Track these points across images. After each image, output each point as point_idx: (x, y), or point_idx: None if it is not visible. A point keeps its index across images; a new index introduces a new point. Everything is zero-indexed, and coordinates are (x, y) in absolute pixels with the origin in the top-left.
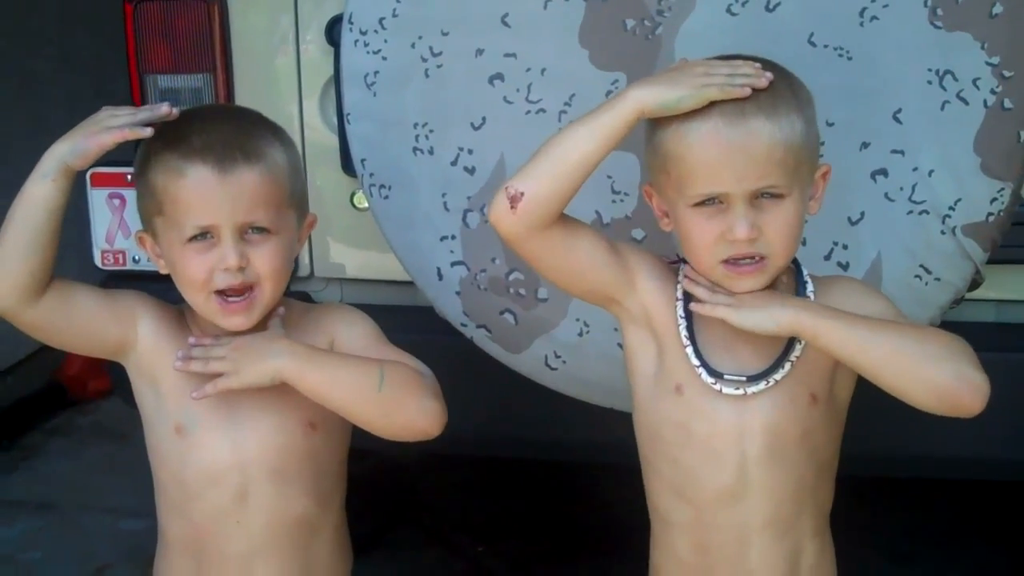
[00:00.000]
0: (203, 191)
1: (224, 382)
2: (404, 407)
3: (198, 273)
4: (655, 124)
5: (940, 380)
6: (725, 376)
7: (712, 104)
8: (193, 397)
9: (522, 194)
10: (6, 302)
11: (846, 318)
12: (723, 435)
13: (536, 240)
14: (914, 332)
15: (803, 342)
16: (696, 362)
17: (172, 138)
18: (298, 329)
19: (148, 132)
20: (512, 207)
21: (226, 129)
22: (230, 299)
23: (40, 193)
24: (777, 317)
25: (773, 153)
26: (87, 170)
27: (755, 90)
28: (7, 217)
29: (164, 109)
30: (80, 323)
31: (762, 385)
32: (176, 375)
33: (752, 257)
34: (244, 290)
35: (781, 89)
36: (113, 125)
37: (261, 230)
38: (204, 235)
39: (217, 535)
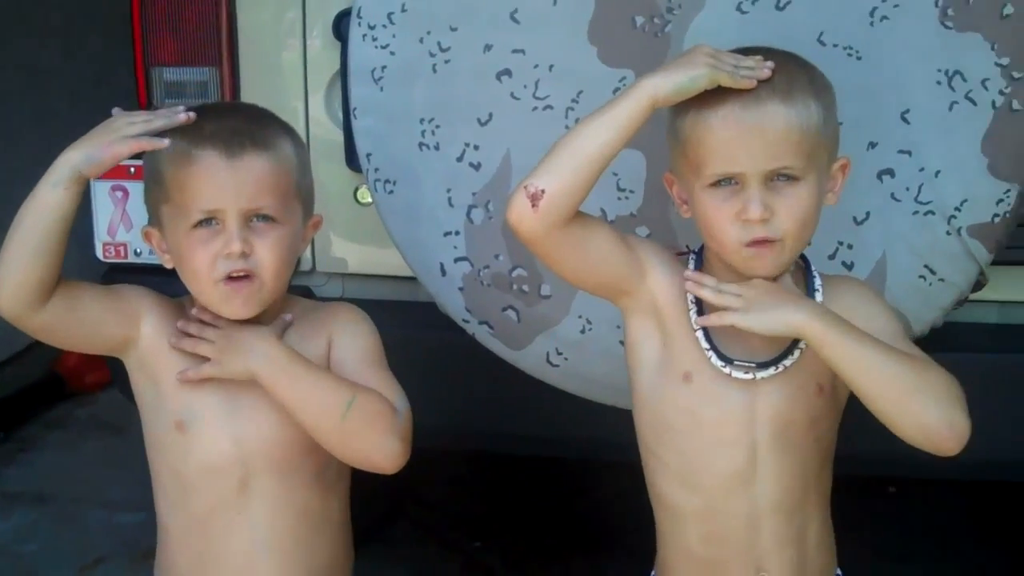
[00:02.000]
0: (210, 175)
1: (206, 369)
2: (363, 440)
3: (203, 260)
4: (675, 111)
5: (928, 420)
6: (735, 361)
7: (728, 90)
8: (177, 377)
9: (543, 191)
10: (13, 307)
11: (854, 335)
12: (733, 421)
13: (555, 238)
14: (914, 365)
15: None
16: (706, 346)
17: (183, 127)
18: (300, 326)
19: (165, 143)
20: (534, 205)
21: (238, 118)
22: (231, 282)
23: (51, 200)
24: (788, 320)
25: (789, 135)
26: None
27: (772, 75)
28: (15, 222)
29: (182, 117)
30: (87, 324)
31: (771, 371)
32: (173, 371)
33: (768, 240)
34: (246, 277)
35: (797, 75)
36: (129, 134)
37: (266, 218)
38: (209, 221)
39: (219, 528)
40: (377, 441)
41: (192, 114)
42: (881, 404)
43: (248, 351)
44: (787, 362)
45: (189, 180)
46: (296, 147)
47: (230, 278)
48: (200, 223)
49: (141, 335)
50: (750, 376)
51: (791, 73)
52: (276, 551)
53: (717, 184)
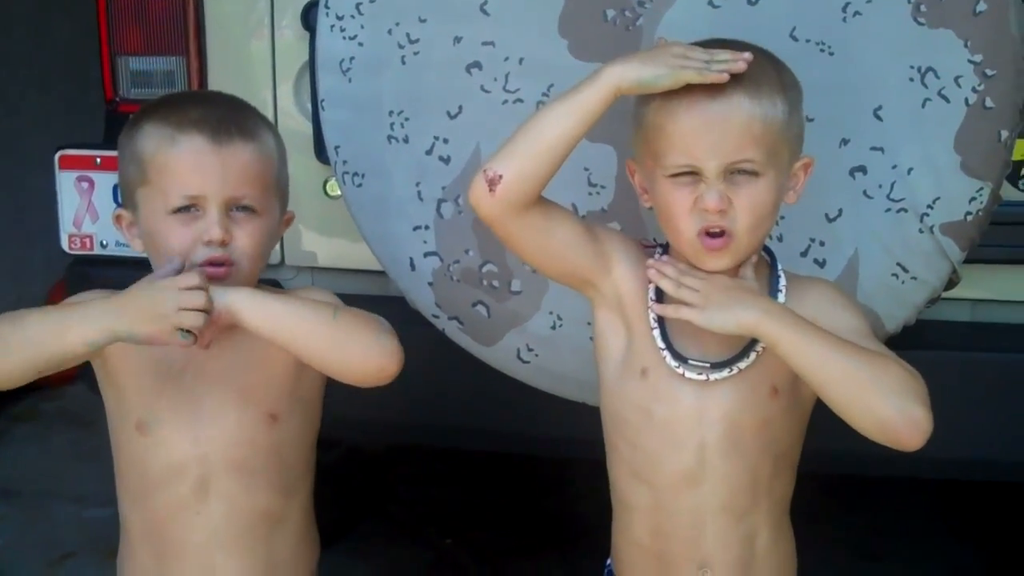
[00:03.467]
0: (195, 160)
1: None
2: (359, 339)
3: (180, 243)
4: (640, 98)
5: (884, 413)
6: (689, 361)
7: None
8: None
9: (500, 176)
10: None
11: (808, 331)
12: (683, 420)
13: (515, 222)
14: (872, 360)
15: (761, 344)
16: (662, 345)
17: (166, 110)
18: None
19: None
20: (491, 189)
21: (222, 107)
22: (209, 268)
23: (77, 352)
24: (740, 318)
25: (751, 128)
26: (55, 153)
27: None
28: (25, 331)
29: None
30: None
31: (725, 372)
32: (136, 373)
33: (721, 232)
34: (222, 264)
35: (766, 69)
36: (180, 325)
37: (246, 208)
38: (188, 208)
39: (177, 526)
40: (373, 338)
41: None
42: (838, 399)
43: (227, 292)
44: (742, 364)
45: (172, 163)
46: (277, 141)
47: (207, 264)
48: (179, 209)
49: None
50: (703, 377)
51: (760, 67)
52: (235, 549)
53: (678, 175)
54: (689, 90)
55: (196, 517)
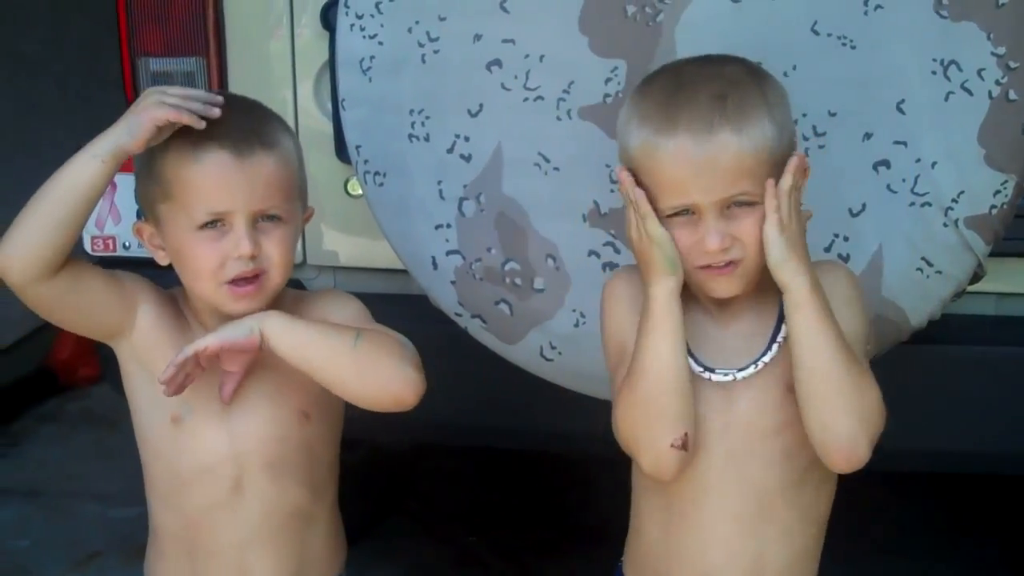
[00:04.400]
0: (220, 176)
1: (201, 342)
2: (379, 367)
3: (209, 262)
4: (624, 128)
5: (837, 430)
6: (716, 370)
7: (678, 119)
8: (164, 379)
9: (687, 434)
10: (23, 275)
11: (829, 316)
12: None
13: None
14: (860, 376)
15: (782, 335)
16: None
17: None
18: (296, 315)
19: (201, 125)
20: (686, 449)
21: (239, 116)
22: (240, 285)
23: (87, 172)
24: (796, 259)
25: (742, 164)
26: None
27: (723, 98)
28: (42, 192)
29: (216, 111)
30: (86, 304)
31: (751, 370)
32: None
33: (728, 262)
34: (254, 277)
35: (750, 93)
36: (167, 102)
37: (272, 218)
38: (214, 223)
39: (210, 527)
40: (394, 368)
41: (218, 111)
42: (809, 391)
43: (247, 320)
44: (766, 358)
45: (195, 179)
46: (294, 142)
47: (237, 281)
48: (205, 224)
49: (136, 323)
50: (730, 378)
51: (743, 91)
52: (268, 548)
53: (674, 215)
54: (672, 132)
55: (230, 515)
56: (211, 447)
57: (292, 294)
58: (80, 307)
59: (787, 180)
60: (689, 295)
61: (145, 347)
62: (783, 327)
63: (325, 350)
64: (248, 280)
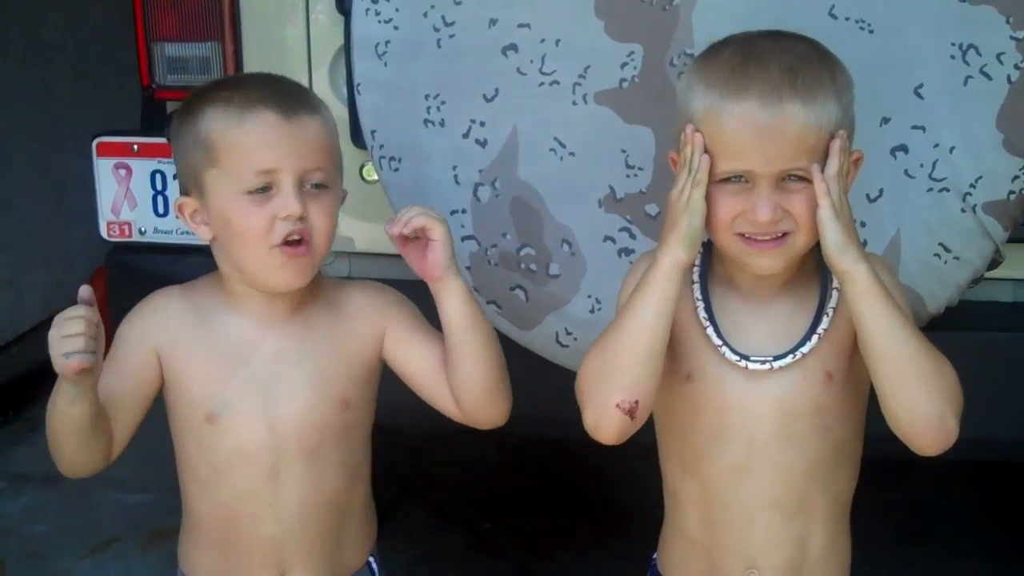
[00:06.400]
0: (267, 135)
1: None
2: (506, 377)
3: (258, 224)
4: (689, 94)
5: (924, 410)
6: (752, 357)
7: (748, 86)
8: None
9: (637, 402)
10: (97, 469)
11: (891, 298)
12: (732, 411)
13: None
14: (934, 355)
15: (823, 327)
16: (718, 342)
17: (227, 92)
18: (337, 304)
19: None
20: (632, 417)
21: (282, 83)
22: (290, 246)
23: (73, 413)
24: (851, 244)
25: (805, 138)
26: (92, 139)
27: (794, 71)
28: (53, 431)
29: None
30: (142, 413)
31: (788, 359)
32: (197, 366)
33: (781, 234)
34: (301, 241)
35: (820, 73)
36: (64, 352)
37: (318, 185)
38: (263, 189)
39: (247, 516)
40: (507, 385)
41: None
42: (888, 377)
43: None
44: (804, 349)
45: (243, 140)
46: (331, 116)
47: (287, 243)
48: (253, 191)
49: (163, 364)
50: (767, 367)
51: (814, 68)
52: (304, 536)
53: (727, 180)
54: (742, 96)
55: (268, 507)
56: (250, 438)
57: (328, 279)
58: (136, 420)
59: (833, 164)
60: (723, 281)
61: (170, 360)
62: (824, 319)
63: (487, 332)
64: (295, 242)
